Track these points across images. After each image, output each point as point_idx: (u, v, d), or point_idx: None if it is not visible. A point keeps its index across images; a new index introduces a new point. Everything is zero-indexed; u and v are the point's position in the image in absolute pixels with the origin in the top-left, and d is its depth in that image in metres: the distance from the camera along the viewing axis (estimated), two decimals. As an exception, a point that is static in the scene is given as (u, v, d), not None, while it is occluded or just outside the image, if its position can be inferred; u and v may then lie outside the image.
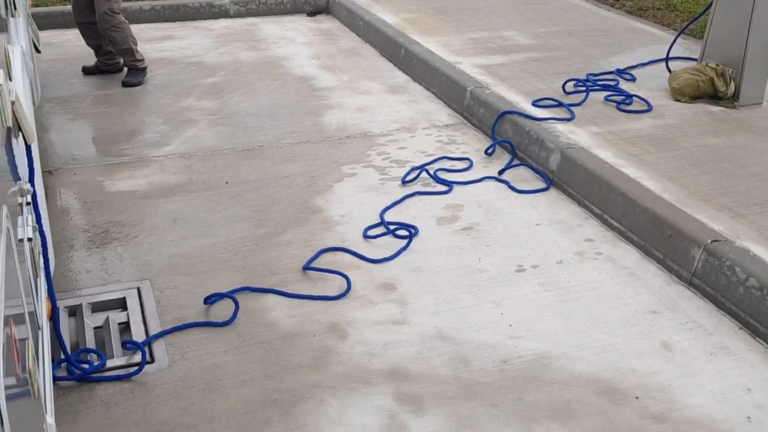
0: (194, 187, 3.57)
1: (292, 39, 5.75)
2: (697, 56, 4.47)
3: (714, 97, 4.18)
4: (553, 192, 3.56)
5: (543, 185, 3.62)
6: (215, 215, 3.31)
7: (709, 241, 2.82)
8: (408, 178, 3.66)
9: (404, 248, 3.08)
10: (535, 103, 4.21)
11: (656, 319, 2.66)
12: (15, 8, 3.07)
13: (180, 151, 3.96)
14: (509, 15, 5.89)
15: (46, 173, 3.64)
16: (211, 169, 3.75)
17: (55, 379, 2.31)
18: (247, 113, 4.44)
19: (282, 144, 4.05)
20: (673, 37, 4.84)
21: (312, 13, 6.32)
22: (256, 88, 4.82)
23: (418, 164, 3.79)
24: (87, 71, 5.00)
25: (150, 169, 3.75)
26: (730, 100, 4.14)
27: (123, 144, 4.03)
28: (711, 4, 4.28)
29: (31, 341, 1.43)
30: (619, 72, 4.65)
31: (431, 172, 3.72)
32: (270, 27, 6.00)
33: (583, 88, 4.37)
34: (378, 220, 3.28)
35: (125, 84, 4.81)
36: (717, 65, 4.17)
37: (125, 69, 4.90)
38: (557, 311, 2.70)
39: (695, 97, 4.20)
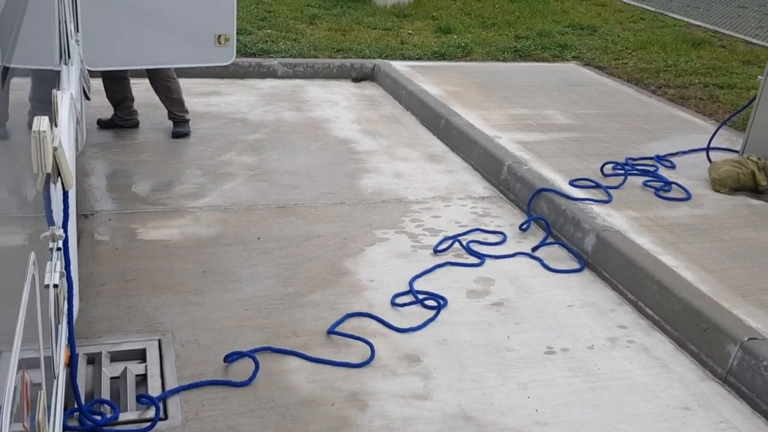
0: (226, 241, 3.59)
1: (336, 102, 5.87)
2: (738, 148, 4.43)
3: (755, 190, 4.12)
4: (586, 274, 3.50)
5: (577, 266, 3.56)
6: (244, 270, 3.32)
7: (746, 339, 2.72)
8: (440, 248, 3.63)
9: (432, 319, 3.03)
10: (572, 183, 4.19)
11: (688, 417, 2.55)
12: (69, 56, 3.19)
13: (216, 203, 4.00)
14: (551, 94, 5.95)
15: (82, 217, 3.70)
16: (244, 224, 3.78)
17: (66, 428, 2.28)
18: (285, 171, 4.50)
19: (317, 204, 4.08)
20: (714, 128, 4.82)
21: (357, 80, 6.47)
22: (296, 147, 4.90)
23: (451, 234, 3.77)
24: (103, 125, 4.96)
25: (184, 220, 3.79)
26: (772, 195, 4.08)
27: (160, 193, 4.10)
28: (754, 98, 4.27)
29: (44, 390, 1.41)
30: (659, 158, 4.62)
31: (464, 243, 3.69)
32: (315, 90, 6.14)
33: (622, 172, 4.35)
34: (407, 288, 3.24)
35: (176, 135, 4.89)
36: (759, 159, 4.13)
37: (173, 123, 4.95)
38: (586, 399, 2.60)
39: (735, 189, 4.15)
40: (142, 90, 5.29)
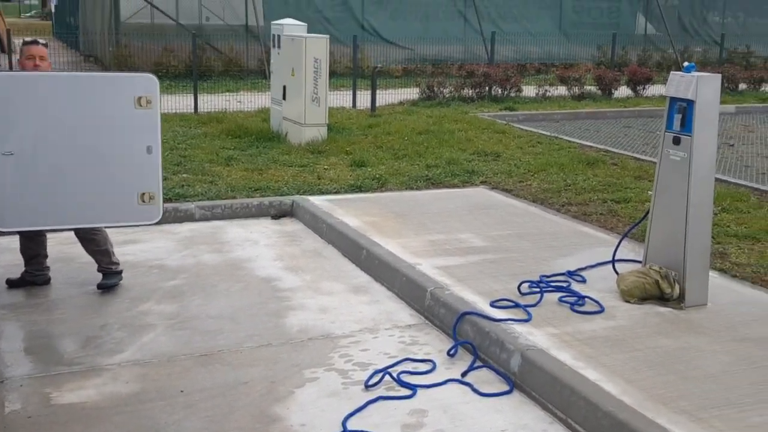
0: (147, 397, 3.45)
1: (256, 241, 5.92)
2: (641, 258, 4.72)
3: (661, 298, 4.37)
4: (516, 395, 3.55)
5: (506, 387, 3.61)
6: (168, 428, 3.18)
7: (674, 447, 2.80)
8: (371, 382, 3.62)
9: (367, 459, 2.97)
10: (493, 304, 4.33)
11: None
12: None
13: (135, 358, 3.88)
14: (464, 219, 6.22)
15: (-6, 383, 3.50)
16: (166, 377, 3.66)
17: None
18: (208, 316, 4.44)
19: (242, 348, 4.02)
20: (617, 240, 5.13)
21: (276, 217, 6.58)
22: (217, 290, 4.87)
23: (381, 367, 3.77)
24: (12, 284, 4.76)
25: (102, 379, 3.64)
26: (677, 302, 4.33)
27: (76, 352, 3.94)
28: (648, 211, 4.62)
29: None
30: (570, 274, 4.86)
31: (394, 375, 3.70)
32: (235, 230, 6.19)
33: (538, 290, 4.53)
34: (340, 429, 3.19)
35: (102, 286, 4.75)
36: (660, 268, 4.41)
37: (102, 275, 4.81)
38: None
39: (643, 299, 4.38)
40: (56, 243, 5.19)
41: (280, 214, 6.60)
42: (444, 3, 20.33)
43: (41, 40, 4.86)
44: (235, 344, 4.06)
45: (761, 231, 5.82)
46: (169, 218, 6.29)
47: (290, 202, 6.68)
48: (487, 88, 14.18)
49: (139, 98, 4.45)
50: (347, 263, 5.48)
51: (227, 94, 13.87)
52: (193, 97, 11.77)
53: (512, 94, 14.36)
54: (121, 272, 4.87)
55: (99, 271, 4.82)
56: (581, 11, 22.04)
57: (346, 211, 6.33)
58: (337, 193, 6.97)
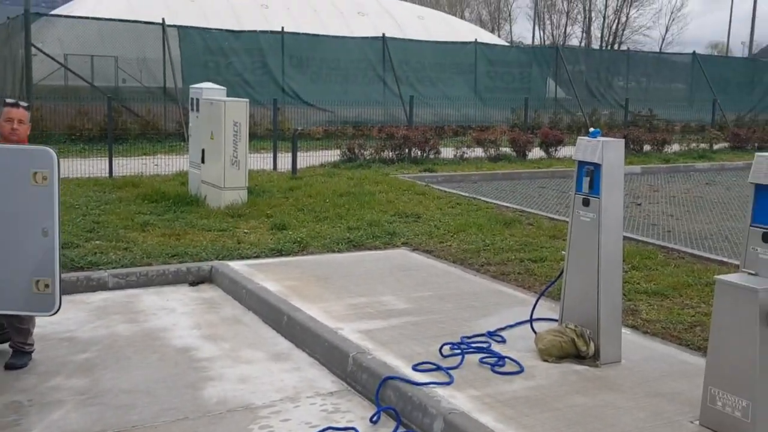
0: (54, 481, 3.23)
1: (173, 309, 5.74)
2: (558, 317, 4.85)
3: (577, 356, 4.48)
4: (439, 461, 3.52)
5: (429, 454, 3.58)
6: None
7: (594, 507, 2.83)
8: (291, 455, 3.52)
9: None
10: (415, 368, 4.32)
11: None
12: None
13: (41, 438, 3.64)
14: (386, 281, 6.25)
15: None
16: (75, 458, 3.45)
17: None
18: (121, 390, 4.23)
19: (157, 423, 3.84)
20: (534, 299, 5.26)
21: (194, 283, 6.41)
22: (131, 362, 4.66)
23: (301, 438, 3.67)
24: None
25: (4, 462, 3.40)
26: (592, 359, 4.45)
27: (-25, 433, 3.67)
28: (563, 271, 4.77)
29: None
30: (490, 334, 4.93)
31: (316, 446, 3.61)
32: (150, 298, 5.99)
33: (459, 351, 4.57)
34: (260, 506, 3.06)
35: (9, 366, 4.42)
36: (576, 326, 4.54)
37: (12, 351, 4.51)
38: None
39: (561, 357, 4.48)
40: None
41: (198, 280, 6.45)
42: (363, 67, 20.91)
43: (23, 103, 4.63)
44: (150, 419, 3.87)
45: (669, 288, 6.10)
46: (80, 287, 6.04)
47: (209, 268, 6.54)
48: (406, 150, 14.52)
49: (35, 174, 4.12)
50: (268, 330, 5.38)
51: (144, 157, 13.63)
52: (108, 161, 11.49)
53: (431, 156, 14.75)
54: (32, 353, 4.60)
55: (10, 346, 4.54)
56: (495, 76, 23.10)
57: (266, 275, 6.25)
58: (257, 257, 6.88)
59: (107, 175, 11.24)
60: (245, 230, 7.85)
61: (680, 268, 6.80)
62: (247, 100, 9.40)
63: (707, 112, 22.44)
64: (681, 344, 4.88)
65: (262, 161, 13.07)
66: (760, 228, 3.41)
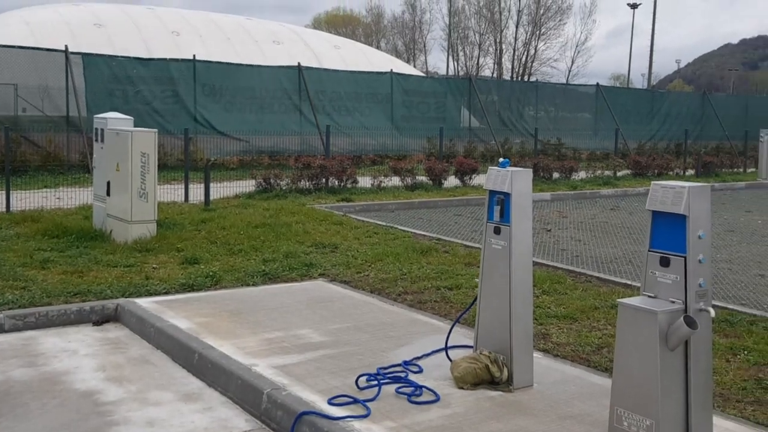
0: None
1: (75, 351, 5.43)
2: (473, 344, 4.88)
3: (492, 382, 4.51)
4: (356, 498, 3.44)
5: (345, 491, 3.49)
6: None
7: None
8: (201, 502, 3.35)
9: None
10: (331, 402, 4.24)
11: None
12: None
13: None
14: (302, 313, 6.14)
15: None
16: None
17: None
18: (15, 442, 3.94)
19: (54, 476, 3.58)
20: (450, 327, 5.29)
21: (98, 322, 6.10)
22: (30, 409, 4.36)
23: (212, 483, 3.51)
24: None
25: None
26: (506, 385, 4.50)
27: None
28: (476, 298, 4.82)
29: None
30: (406, 364, 4.90)
31: (227, 490, 3.46)
32: (51, 340, 5.65)
33: (375, 383, 4.52)
34: None
35: None
36: (490, 353, 4.58)
37: None
38: None
39: (476, 384, 4.51)
40: None
41: (102, 319, 6.14)
42: (279, 96, 20.80)
43: None
44: (45, 473, 3.62)
45: (577, 311, 6.28)
46: (-29, 331, 5.64)
47: (114, 306, 6.24)
48: (324, 179, 14.49)
49: None
50: (178, 369, 5.17)
51: (45, 190, 13.01)
52: (5, 195, 10.88)
53: (349, 185, 14.77)
54: None
55: None
56: (411, 106, 23.48)
57: (176, 312, 6.03)
58: (167, 293, 6.64)
59: (4, 209, 10.64)
60: (154, 265, 7.57)
61: (588, 291, 7.02)
62: (156, 130, 9.15)
63: (611, 141, 23.53)
64: (589, 366, 5.01)
65: (173, 193, 12.71)
66: (658, 253, 3.55)
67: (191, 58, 19.34)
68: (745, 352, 5.29)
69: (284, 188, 13.87)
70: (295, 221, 10.41)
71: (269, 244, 8.72)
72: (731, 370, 4.94)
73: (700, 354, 3.49)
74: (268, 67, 20.97)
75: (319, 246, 8.82)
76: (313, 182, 14.30)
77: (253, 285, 7.07)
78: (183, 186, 12.76)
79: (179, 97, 19.03)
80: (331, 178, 14.58)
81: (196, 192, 12.54)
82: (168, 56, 19.77)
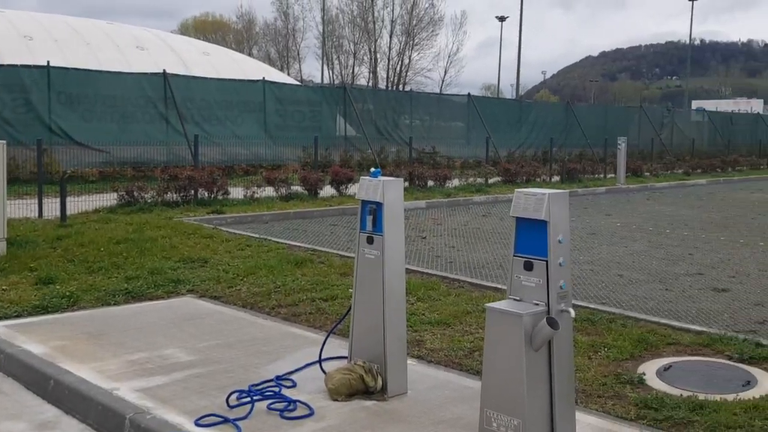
0: None
1: None
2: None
3: (366, 392, 4.49)
4: None
5: None
6: None
7: None
8: None
9: None
10: (198, 423, 4.05)
11: None
12: None
13: None
14: (169, 332, 5.85)
15: None
16: None
17: None
18: None
19: None
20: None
21: (-64, 352, 5.50)
22: None
23: None
24: None
25: None
26: (381, 393, 4.49)
27: None
28: (350, 308, 4.79)
29: None
30: (279, 379, 4.78)
31: None
32: None
33: (248, 399, 4.36)
34: None
35: None
36: (364, 363, 4.55)
37: None
38: None
39: (351, 395, 4.46)
40: None
41: (-59, 348, 5.54)
42: (143, 104, 19.91)
43: None
44: None
45: (450, 316, 6.40)
46: None
47: (-44, 333, 5.66)
48: (192, 191, 13.98)
49: None
50: (32, 397, 4.77)
51: None
52: None
53: (220, 197, 14.35)
54: None
55: None
56: (285, 115, 23.23)
57: (29, 336, 5.56)
58: (18, 316, 6.11)
59: None
60: (4, 287, 6.95)
61: (461, 296, 7.19)
62: (5, 141, 8.45)
63: (483, 149, 24.36)
64: (462, 370, 5.11)
65: (25, 208, 11.79)
66: (522, 257, 3.66)
67: (45, 64, 18.11)
68: (606, 349, 5.60)
69: (149, 201, 13.23)
70: (161, 236, 9.94)
71: (132, 261, 8.27)
72: (593, 367, 5.20)
73: (563, 353, 3.63)
74: (131, 74, 20.03)
75: (187, 261, 8.46)
76: (182, 194, 13.75)
77: (115, 304, 6.65)
78: (37, 201, 11.87)
79: (32, 106, 17.76)
80: (200, 190, 14.10)
81: (52, 207, 11.71)
82: (19, 62, 18.41)
